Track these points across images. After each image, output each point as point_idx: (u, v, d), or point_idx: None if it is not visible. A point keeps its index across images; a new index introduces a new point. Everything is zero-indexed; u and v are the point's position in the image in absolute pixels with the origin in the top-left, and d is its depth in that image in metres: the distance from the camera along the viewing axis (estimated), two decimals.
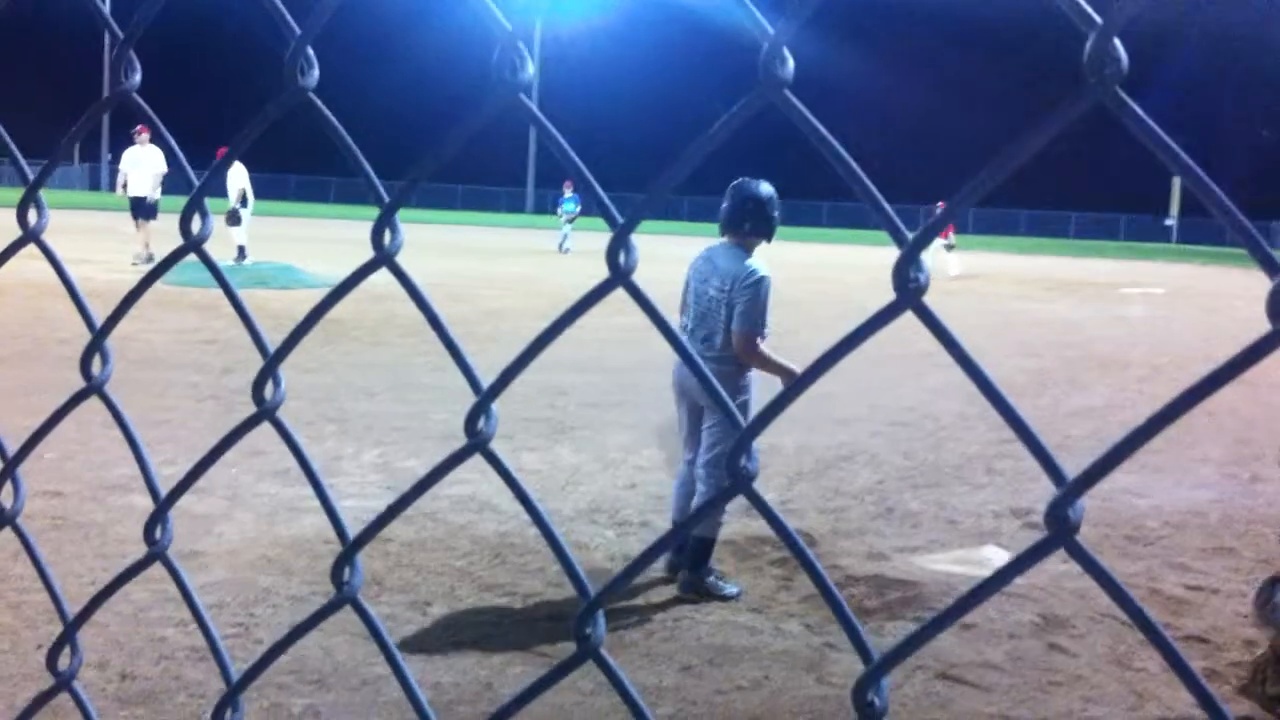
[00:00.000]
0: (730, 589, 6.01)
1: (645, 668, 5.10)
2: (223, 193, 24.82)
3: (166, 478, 7.28)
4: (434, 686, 4.82)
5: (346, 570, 1.04)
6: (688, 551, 6.02)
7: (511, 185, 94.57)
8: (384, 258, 0.98)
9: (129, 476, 7.19)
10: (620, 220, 0.83)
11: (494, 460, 0.97)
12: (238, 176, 24.44)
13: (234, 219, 24.00)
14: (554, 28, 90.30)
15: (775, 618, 5.73)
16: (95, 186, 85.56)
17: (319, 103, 0.99)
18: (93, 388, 1.17)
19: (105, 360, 1.17)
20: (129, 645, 5.03)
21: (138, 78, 1.11)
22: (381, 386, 11.18)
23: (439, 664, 5.04)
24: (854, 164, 0.77)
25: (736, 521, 6.83)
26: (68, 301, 1.21)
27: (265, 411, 1.07)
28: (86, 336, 1.25)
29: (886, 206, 0.77)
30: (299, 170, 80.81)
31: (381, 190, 0.98)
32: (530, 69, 0.88)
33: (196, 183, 1.08)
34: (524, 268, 27.43)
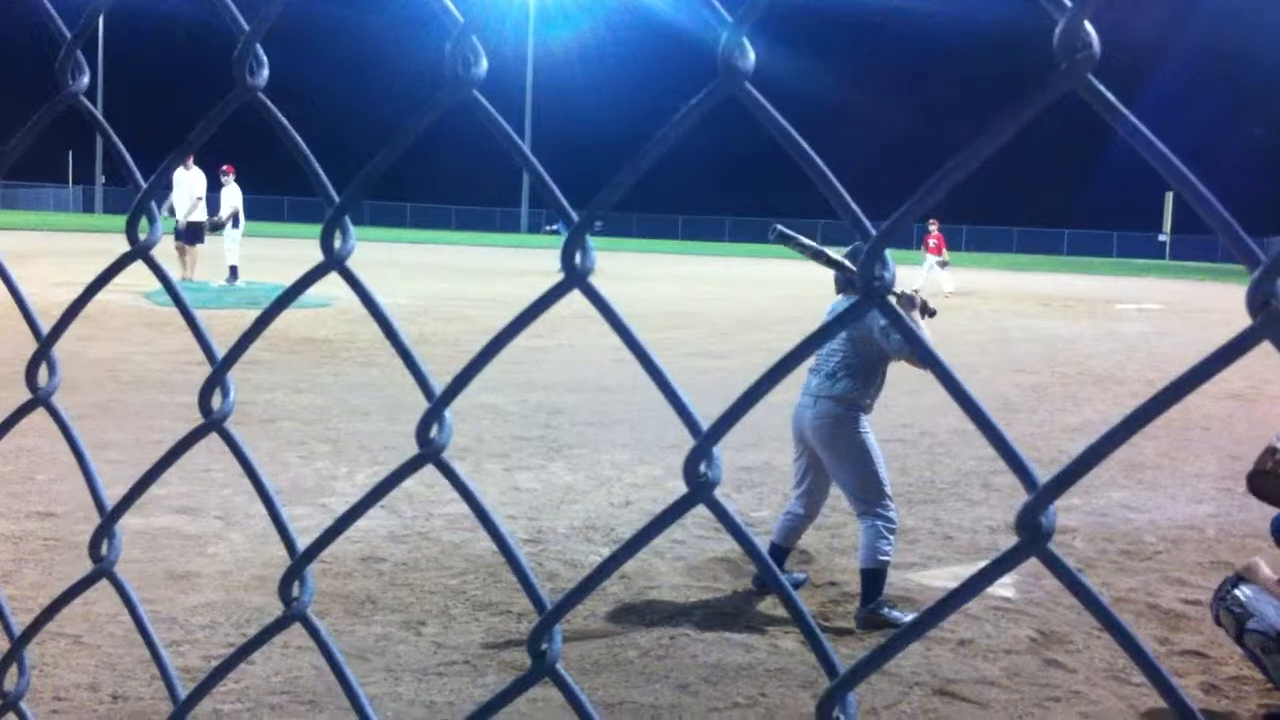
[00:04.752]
0: (908, 617, 5.97)
1: (640, 686, 5.06)
2: (211, 211, 24.87)
3: (157, 498, 7.26)
4: (428, 706, 4.77)
5: (295, 586, 1.00)
6: (861, 587, 6.05)
7: (505, 205, 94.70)
8: (333, 262, 0.94)
9: (122, 496, 7.15)
10: (575, 220, 0.81)
11: (447, 471, 0.94)
12: (231, 196, 24.48)
13: (215, 227, 24.06)
14: (546, 40, 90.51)
15: (772, 635, 5.69)
16: (90, 209, 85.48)
17: (268, 102, 0.96)
18: (39, 399, 1.14)
19: (53, 371, 1.13)
20: (120, 666, 4.98)
21: (85, 80, 1.08)
22: (374, 406, 11.15)
23: (433, 683, 5.00)
24: (817, 159, 0.75)
25: (733, 538, 6.78)
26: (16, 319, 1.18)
27: (212, 422, 1.03)
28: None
29: (850, 201, 0.74)
30: (293, 191, 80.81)
31: (331, 191, 0.95)
32: (484, 64, 0.85)
33: (144, 186, 1.05)
34: (518, 287, 27.41)
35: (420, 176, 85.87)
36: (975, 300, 29.86)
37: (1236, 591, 4.82)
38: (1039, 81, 0.68)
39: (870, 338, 5.91)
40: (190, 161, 23.38)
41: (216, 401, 1.04)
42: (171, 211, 23.39)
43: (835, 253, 5.85)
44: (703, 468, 0.80)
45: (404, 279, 28.77)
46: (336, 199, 0.93)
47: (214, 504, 7.39)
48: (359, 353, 14.64)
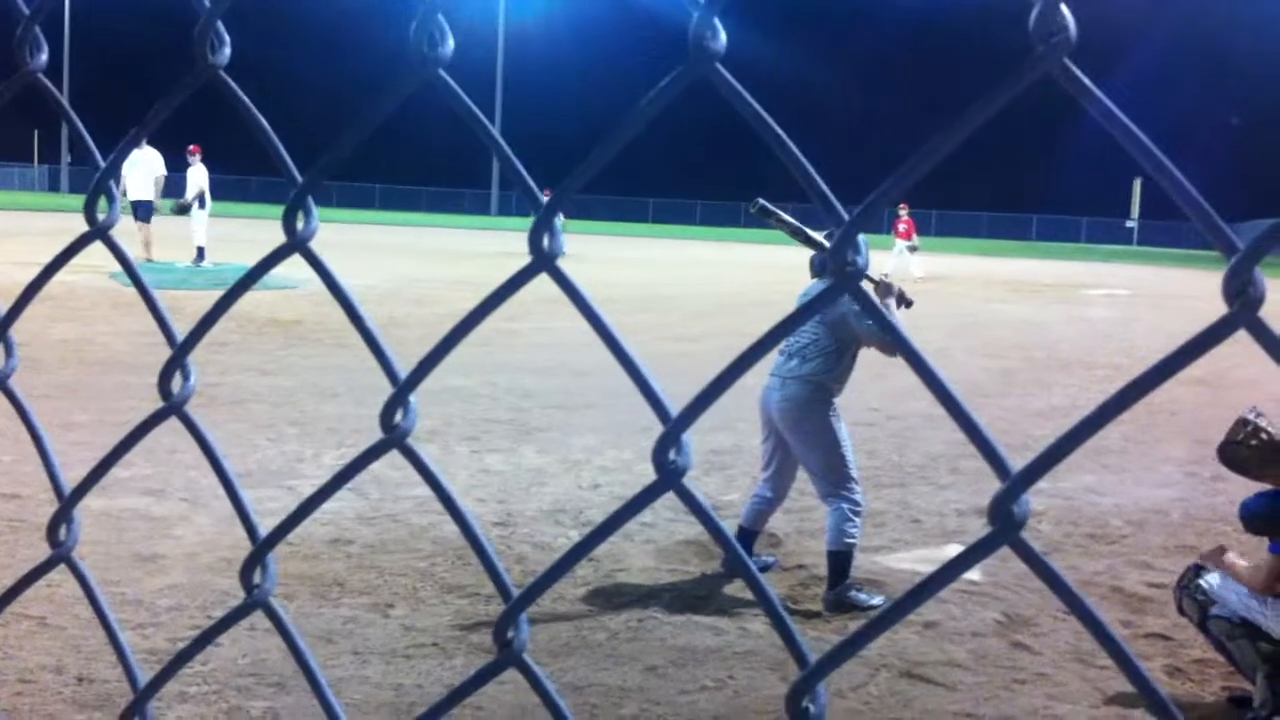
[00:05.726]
0: (875, 599, 5.99)
1: (609, 669, 5.06)
2: (177, 190, 24.67)
3: (122, 480, 7.21)
4: (396, 688, 4.76)
5: (257, 572, 0.99)
6: (827, 571, 6.05)
7: (475, 187, 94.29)
8: (296, 243, 0.93)
9: (81, 480, 7.09)
10: (543, 203, 0.79)
11: (412, 456, 0.93)
12: (198, 176, 24.29)
13: (181, 210, 23.88)
14: (517, 19, 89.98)
15: (740, 618, 5.70)
16: (55, 188, 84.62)
17: (229, 80, 0.94)
18: None
19: (10, 353, 1.11)
20: (86, 648, 4.95)
21: (44, 57, 1.05)
22: (343, 388, 11.09)
23: (401, 666, 4.99)
24: (789, 141, 0.74)
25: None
26: None
27: (173, 405, 1.02)
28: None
29: (822, 185, 0.74)
30: (260, 172, 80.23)
31: (295, 171, 0.93)
32: (450, 43, 0.84)
33: (102, 165, 1.03)
34: (488, 270, 27.31)
35: (389, 158, 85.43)
36: (945, 285, 29.96)
37: (1200, 580, 4.86)
38: (1015, 65, 0.67)
39: (845, 321, 5.90)
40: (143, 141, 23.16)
41: (177, 385, 1.02)
42: (124, 192, 23.14)
43: (815, 233, 5.84)
44: (672, 454, 0.79)
45: (374, 261, 28.62)
46: (300, 179, 0.91)
47: (179, 486, 7.34)
48: (328, 335, 14.55)
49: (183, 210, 24.01)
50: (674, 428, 0.78)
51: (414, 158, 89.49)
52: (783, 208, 5.81)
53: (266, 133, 0.94)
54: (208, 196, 24.52)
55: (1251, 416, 4.76)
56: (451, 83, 0.84)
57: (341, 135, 0.90)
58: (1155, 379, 0.65)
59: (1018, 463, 0.71)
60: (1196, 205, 0.65)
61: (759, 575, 0.81)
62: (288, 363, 12.59)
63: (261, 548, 0.97)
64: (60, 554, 1.11)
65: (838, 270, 0.73)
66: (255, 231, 22.87)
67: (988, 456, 0.70)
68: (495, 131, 0.84)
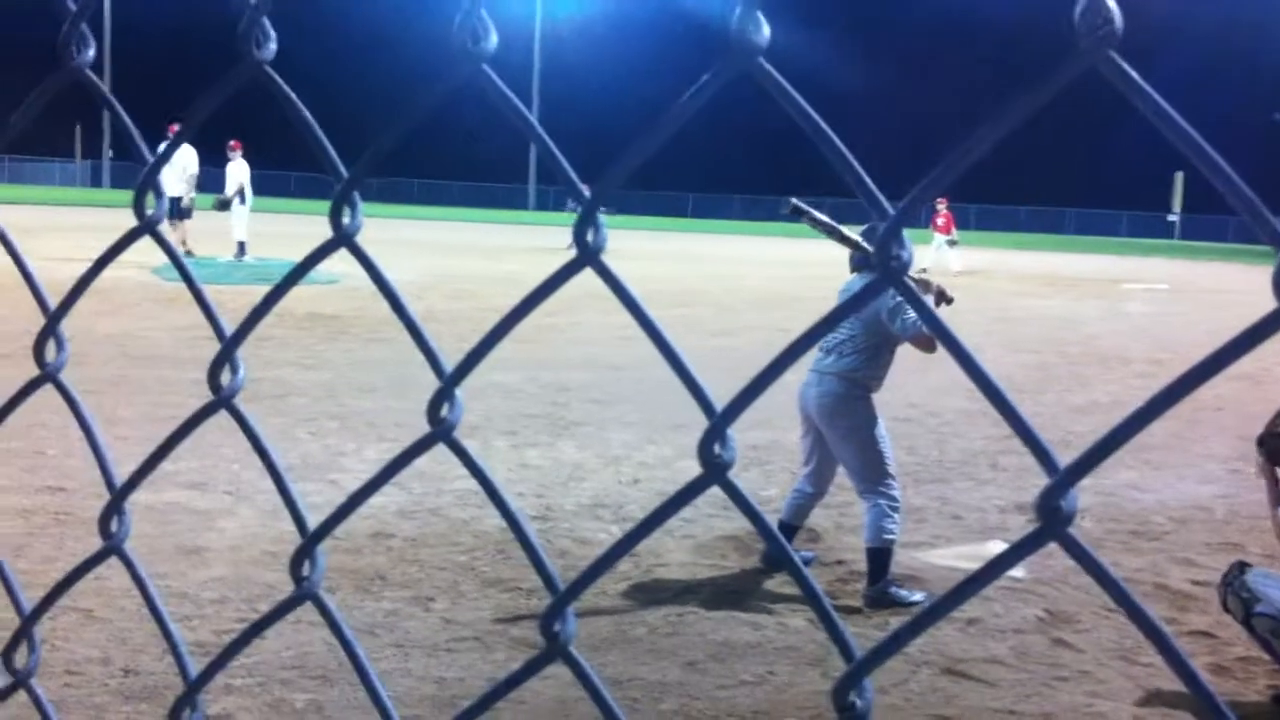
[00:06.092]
0: (915, 596, 5.97)
1: (649, 663, 5.07)
2: (217, 186, 24.84)
3: (167, 474, 7.29)
4: (437, 681, 4.79)
5: (306, 565, 1.00)
6: (867, 567, 6.03)
7: (512, 182, 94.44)
8: (343, 238, 0.93)
9: (132, 473, 7.17)
10: (588, 197, 0.79)
11: (458, 450, 0.93)
12: (238, 171, 24.45)
13: (222, 206, 24.03)
14: (553, 14, 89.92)
15: (780, 613, 5.70)
16: (97, 183, 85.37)
17: (275, 75, 0.95)
18: (47, 375, 1.13)
19: (60, 347, 1.13)
20: (132, 641, 5.00)
21: (91, 53, 1.06)
22: (382, 383, 11.15)
23: (443, 659, 5.01)
24: (834, 137, 0.74)
25: (742, 518, 6.80)
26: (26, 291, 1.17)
27: (222, 399, 1.03)
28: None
29: (867, 179, 0.73)
30: (300, 167, 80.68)
31: (340, 166, 0.94)
32: (494, 38, 0.84)
33: (150, 160, 1.04)
34: (527, 266, 27.38)
35: (427, 153, 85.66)
36: (981, 279, 29.77)
37: (1244, 576, 4.81)
38: (1059, 59, 0.67)
39: (879, 319, 5.89)
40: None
41: (226, 378, 1.03)
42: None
43: (850, 231, 5.82)
44: (717, 449, 0.79)
45: (411, 256, 28.73)
46: (345, 174, 0.92)
47: (224, 479, 7.40)
48: (367, 329, 14.64)
49: (223, 206, 24.18)
50: (719, 422, 0.78)
51: (451, 153, 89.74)
52: (820, 205, 5.79)
53: (312, 128, 0.95)
54: (248, 191, 24.68)
55: None
56: (495, 77, 0.84)
57: (385, 131, 0.91)
58: (1206, 372, 0.65)
59: (1067, 460, 0.71)
60: (1243, 196, 0.64)
61: (804, 568, 0.81)
62: (328, 357, 12.67)
63: (310, 540, 0.98)
64: (112, 545, 1.13)
65: (882, 264, 0.73)
66: (295, 226, 23.06)
67: (1035, 451, 0.70)
68: (538, 126, 0.84)
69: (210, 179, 24.85)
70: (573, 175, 0.85)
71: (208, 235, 24.42)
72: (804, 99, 0.76)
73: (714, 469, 0.78)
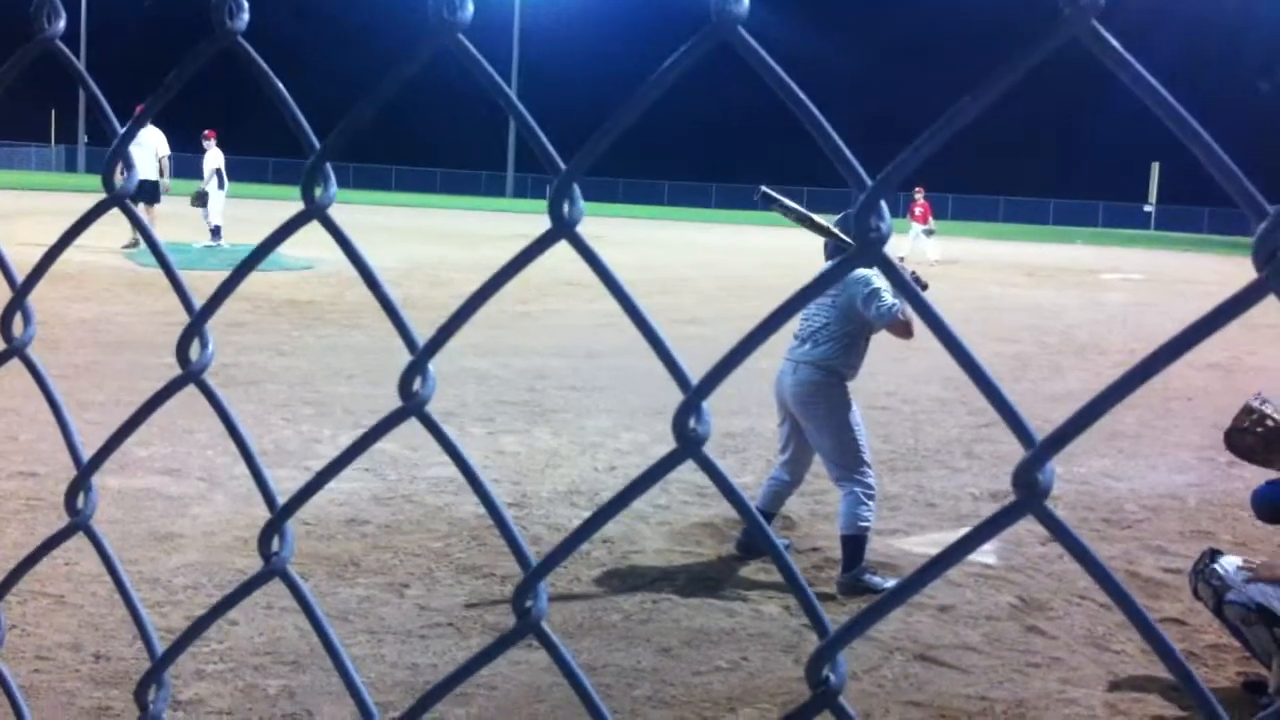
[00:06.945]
0: (889, 583, 5.97)
1: (622, 649, 5.07)
2: (194, 173, 24.66)
3: (139, 460, 7.24)
4: (411, 667, 4.78)
5: (275, 540, 0.99)
6: (841, 554, 6.06)
7: (491, 169, 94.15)
8: (314, 210, 0.92)
9: (98, 448, 7.13)
10: (563, 169, 0.79)
11: (431, 424, 0.93)
12: (213, 157, 24.31)
13: (200, 200, 23.87)
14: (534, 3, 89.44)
15: (754, 600, 5.71)
16: (72, 168, 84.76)
17: (248, 47, 0.93)
18: (13, 349, 1.11)
19: (28, 321, 1.11)
20: (103, 626, 4.98)
21: (61, 24, 1.05)
22: (358, 369, 11.12)
23: (416, 645, 5.00)
24: (813, 107, 0.73)
25: (717, 504, 6.81)
26: None
27: (190, 374, 1.01)
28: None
29: (846, 151, 0.73)
30: (277, 153, 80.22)
31: (313, 137, 0.93)
32: (470, 8, 0.83)
33: (120, 132, 1.03)
34: (504, 251, 27.03)
35: (405, 140, 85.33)
36: (959, 269, 29.85)
37: (1215, 565, 4.85)
38: (1042, 29, 0.66)
39: (854, 307, 5.90)
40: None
41: (195, 352, 1.02)
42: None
43: (824, 220, 5.83)
44: (692, 423, 0.78)
45: (390, 242, 28.62)
46: (317, 145, 0.91)
47: (197, 465, 7.37)
48: (343, 316, 14.58)
49: (201, 201, 24.01)
50: (694, 395, 0.78)
51: (430, 139, 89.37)
52: (795, 194, 5.79)
53: (285, 100, 0.93)
54: (225, 176, 24.53)
55: (1256, 403, 4.74)
56: (470, 47, 0.83)
57: (360, 101, 0.90)
58: (1183, 346, 0.65)
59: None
60: (1227, 170, 0.64)
61: (779, 545, 0.81)
62: (303, 343, 12.62)
63: (280, 515, 0.97)
64: (78, 522, 1.11)
65: (860, 235, 0.72)
66: (272, 212, 22.85)
67: (1011, 423, 0.69)
68: (514, 97, 0.83)
69: (186, 168, 24.58)
70: (549, 147, 0.84)
71: (182, 220, 24.25)
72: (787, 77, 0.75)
73: (689, 442, 0.78)
